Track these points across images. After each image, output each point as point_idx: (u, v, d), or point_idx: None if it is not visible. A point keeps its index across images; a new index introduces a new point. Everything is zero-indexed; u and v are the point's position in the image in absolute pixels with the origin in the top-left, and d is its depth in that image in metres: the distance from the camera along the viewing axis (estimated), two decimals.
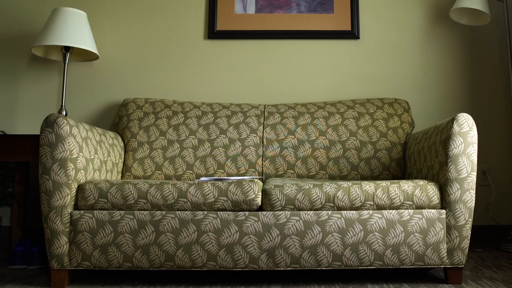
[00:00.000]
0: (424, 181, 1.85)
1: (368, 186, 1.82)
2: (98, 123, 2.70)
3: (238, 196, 1.82)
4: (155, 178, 2.35)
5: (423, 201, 1.81)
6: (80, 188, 1.84)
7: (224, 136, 2.43)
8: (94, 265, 1.80)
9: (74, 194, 1.82)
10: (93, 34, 2.60)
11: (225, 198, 1.82)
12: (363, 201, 1.81)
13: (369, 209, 1.81)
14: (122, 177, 2.36)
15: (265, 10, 2.78)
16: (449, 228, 1.79)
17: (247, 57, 2.79)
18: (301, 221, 1.79)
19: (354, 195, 1.81)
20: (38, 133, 2.62)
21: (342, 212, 1.81)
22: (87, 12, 2.62)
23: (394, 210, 1.81)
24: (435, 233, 1.79)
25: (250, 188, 1.83)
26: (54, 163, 1.79)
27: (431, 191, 1.82)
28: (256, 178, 2.10)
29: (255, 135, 2.44)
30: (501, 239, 2.49)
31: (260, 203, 1.83)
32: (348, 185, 1.83)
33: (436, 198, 1.81)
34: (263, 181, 2.06)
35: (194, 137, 2.43)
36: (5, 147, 2.28)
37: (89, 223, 1.80)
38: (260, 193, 1.84)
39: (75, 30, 2.46)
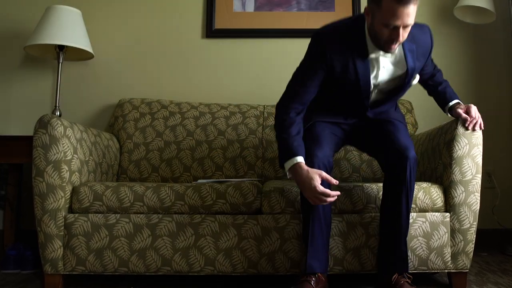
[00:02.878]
0: (427, 183, 1.81)
1: (370, 188, 1.79)
2: (93, 124, 2.65)
3: (237, 199, 1.78)
4: (152, 180, 2.31)
5: (426, 204, 1.77)
6: (75, 191, 1.80)
7: (223, 137, 2.38)
8: (89, 269, 1.77)
9: (68, 197, 1.79)
10: (88, 33, 2.55)
11: (224, 201, 1.78)
12: (365, 203, 1.77)
13: (371, 212, 1.78)
14: (117, 179, 2.32)
15: (265, 8, 2.74)
16: (453, 232, 1.76)
17: (246, 56, 2.74)
18: (301, 224, 1.74)
19: (356, 197, 1.77)
20: (32, 134, 2.57)
21: (344, 215, 1.77)
22: (81, 10, 2.56)
23: None
24: (438, 237, 1.75)
25: (249, 190, 1.79)
26: (47, 165, 1.75)
27: (435, 193, 1.78)
28: (255, 180, 2.06)
29: (254, 136, 2.39)
30: (507, 242, 2.45)
31: (259, 205, 1.80)
32: (350, 187, 1.79)
33: (439, 201, 1.78)
34: (263, 183, 2.02)
35: (191, 138, 2.38)
36: None
37: (84, 227, 1.76)
38: (260, 196, 1.80)
39: (70, 29, 2.41)
